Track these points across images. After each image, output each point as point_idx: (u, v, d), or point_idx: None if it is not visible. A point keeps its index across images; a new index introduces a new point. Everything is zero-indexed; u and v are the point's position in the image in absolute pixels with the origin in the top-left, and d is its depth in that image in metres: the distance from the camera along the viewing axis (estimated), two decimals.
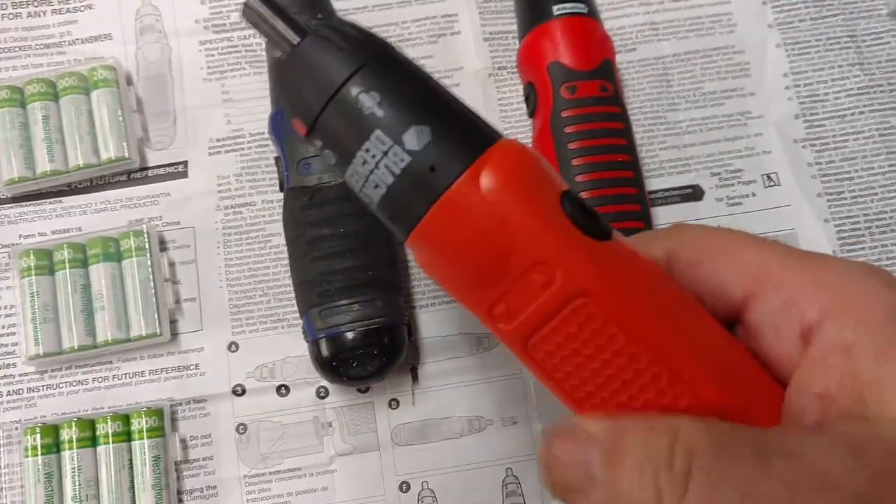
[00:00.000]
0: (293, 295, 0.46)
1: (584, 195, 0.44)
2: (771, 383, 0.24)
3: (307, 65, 0.24)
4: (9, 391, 0.46)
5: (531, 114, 0.48)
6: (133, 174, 0.50)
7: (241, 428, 0.46)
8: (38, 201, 0.49)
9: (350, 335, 0.42)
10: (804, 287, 0.23)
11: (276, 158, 0.47)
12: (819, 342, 0.23)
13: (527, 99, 0.48)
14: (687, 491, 0.20)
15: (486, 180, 0.22)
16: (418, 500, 0.45)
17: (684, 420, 0.22)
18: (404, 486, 0.45)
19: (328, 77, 0.23)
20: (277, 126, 0.47)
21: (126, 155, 0.48)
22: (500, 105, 0.51)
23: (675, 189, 0.49)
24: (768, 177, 0.50)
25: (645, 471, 0.21)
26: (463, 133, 0.23)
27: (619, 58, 0.49)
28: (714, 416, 0.22)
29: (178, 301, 0.48)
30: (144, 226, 0.47)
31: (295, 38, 0.24)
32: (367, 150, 0.23)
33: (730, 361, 0.24)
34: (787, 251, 0.25)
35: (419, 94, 0.24)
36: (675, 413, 0.23)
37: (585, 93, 0.45)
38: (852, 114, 0.50)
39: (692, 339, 0.24)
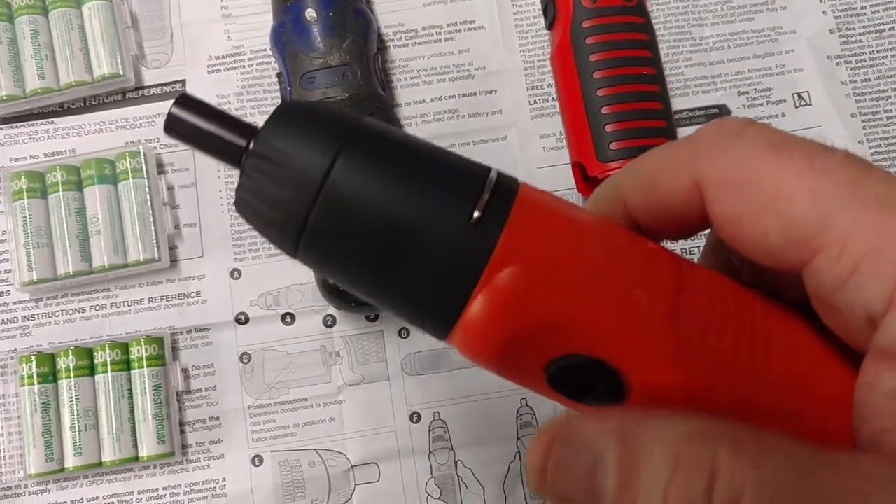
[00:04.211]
0: None
1: (606, 110, 0.41)
2: (836, 363, 0.20)
3: (272, 168, 0.19)
4: (3, 319, 0.44)
5: (549, 25, 0.45)
6: (128, 93, 0.47)
7: (245, 357, 0.44)
8: (29, 122, 0.47)
9: None
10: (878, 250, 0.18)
11: (279, 74, 0.45)
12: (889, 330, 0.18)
13: (545, 10, 0.45)
14: None
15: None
16: (429, 430, 0.43)
17: (724, 450, 0.16)
18: (415, 417, 0.43)
19: (305, 172, 0.19)
20: (280, 39, 0.44)
21: (121, 72, 0.46)
22: (516, 19, 0.48)
23: (700, 109, 0.47)
24: (799, 96, 0.47)
25: None
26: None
27: None
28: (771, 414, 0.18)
29: (177, 226, 0.45)
30: (141, 146, 0.45)
31: (242, 142, 0.19)
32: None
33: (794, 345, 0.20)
34: (850, 189, 0.18)
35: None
36: (711, 422, 0.17)
37: (608, 1, 0.43)
38: (891, 28, 0.47)
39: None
